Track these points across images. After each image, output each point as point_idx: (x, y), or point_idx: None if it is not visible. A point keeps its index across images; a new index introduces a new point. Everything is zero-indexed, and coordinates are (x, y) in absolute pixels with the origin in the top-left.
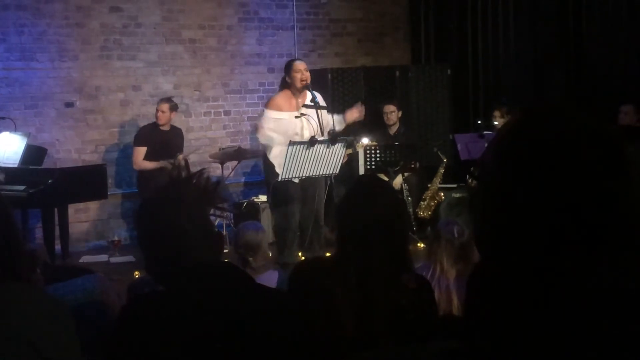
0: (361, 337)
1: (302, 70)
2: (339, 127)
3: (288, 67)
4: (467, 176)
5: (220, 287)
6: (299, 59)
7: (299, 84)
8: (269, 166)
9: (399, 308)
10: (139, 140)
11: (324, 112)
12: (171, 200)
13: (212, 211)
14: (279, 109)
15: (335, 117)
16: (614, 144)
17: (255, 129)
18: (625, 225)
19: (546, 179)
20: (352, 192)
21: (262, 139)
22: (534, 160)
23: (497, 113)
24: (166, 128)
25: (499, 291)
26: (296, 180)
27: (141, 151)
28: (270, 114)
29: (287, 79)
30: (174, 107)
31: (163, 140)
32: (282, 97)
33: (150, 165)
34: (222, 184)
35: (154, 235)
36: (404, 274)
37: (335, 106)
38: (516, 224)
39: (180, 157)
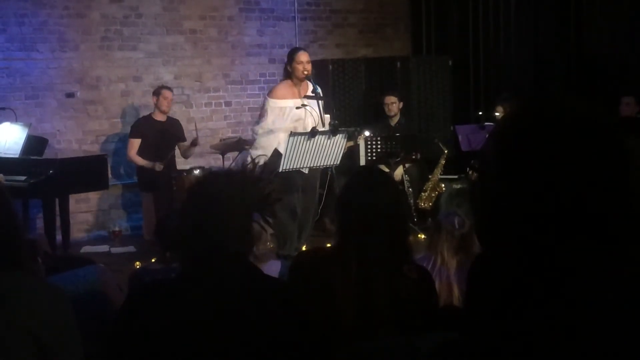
0: (361, 328)
1: (303, 62)
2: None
3: (290, 57)
4: (468, 168)
5: (224, 276)
6: (302, 50)
7: (300, 75)
8: (271, 157)
9: (400, 298)
10: (133, 132)
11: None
12: (232, 188)
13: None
14: (282, 98)
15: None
16: (613, 134)
17: (259, 116)
18: (624, 214)
19: (545, 169)
20: (351, 183)
21: (260, 130)
22: (533, 150)
23: (499, 109)
24: (162, 119)
25: (500, 282)
26: (305, 171)
27: (135, 143)
28: (275, 102)
29: (288, 67)
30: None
31: (159, 131)
32: (284, 87)
33: (140, 161)
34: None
35: (202, 205)
36: (405, 264)
37: (336, 98)
38: (516, 215)
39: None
